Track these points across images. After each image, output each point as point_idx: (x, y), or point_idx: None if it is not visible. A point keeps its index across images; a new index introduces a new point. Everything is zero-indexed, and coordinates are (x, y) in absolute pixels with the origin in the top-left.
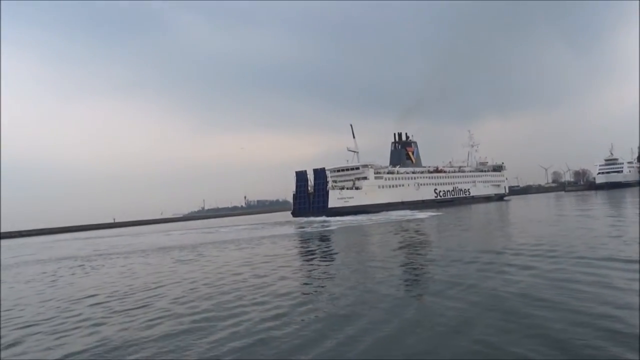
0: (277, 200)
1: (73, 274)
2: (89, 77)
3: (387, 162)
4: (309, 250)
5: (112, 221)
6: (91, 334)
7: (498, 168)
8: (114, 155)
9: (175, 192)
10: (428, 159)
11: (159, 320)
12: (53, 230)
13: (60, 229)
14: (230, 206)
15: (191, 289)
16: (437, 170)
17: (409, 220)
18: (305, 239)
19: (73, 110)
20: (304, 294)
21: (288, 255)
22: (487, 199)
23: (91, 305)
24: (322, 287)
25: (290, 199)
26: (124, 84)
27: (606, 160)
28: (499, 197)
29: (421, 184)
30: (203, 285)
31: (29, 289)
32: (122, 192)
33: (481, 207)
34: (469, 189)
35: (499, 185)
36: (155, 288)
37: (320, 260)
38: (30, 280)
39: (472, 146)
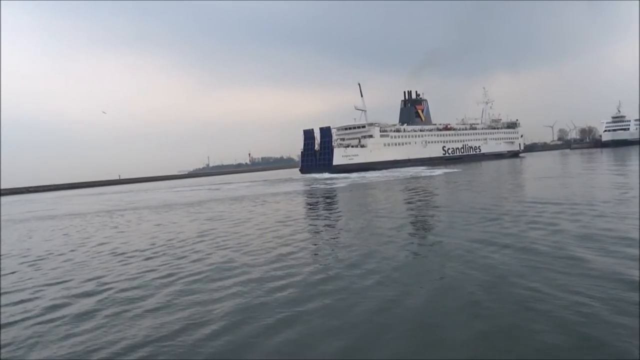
0: (282, 158)
1: (97, 230)
2: (92, 30)
3: (397, 120)
4: (318, 206)
5: (118, 178)
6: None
7: (512, 125)
8: (118, 112)
9: (180, 149)
10: (439, 116)
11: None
12: (59, 187)
13: (66, 185)
14: (234, 163)
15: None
16: (446, 128)
17: (415, 177)
18: (315, 195)
19: (76, 65)
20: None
21: (303, 212)
22: (499, 156)
23: (134, 257)
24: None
25: (295, 157)
26: (128, 39)
27: (613, 117)
28: (513, 154)
29: (429, 142)
30: (233, 240)
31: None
32: (126, 149)
33: (492, 164)
34: (479, 146)
35: (512, 142)
36: (193, 243)
37: (336, 216)
38: (62, 234)
39: (487, 103)
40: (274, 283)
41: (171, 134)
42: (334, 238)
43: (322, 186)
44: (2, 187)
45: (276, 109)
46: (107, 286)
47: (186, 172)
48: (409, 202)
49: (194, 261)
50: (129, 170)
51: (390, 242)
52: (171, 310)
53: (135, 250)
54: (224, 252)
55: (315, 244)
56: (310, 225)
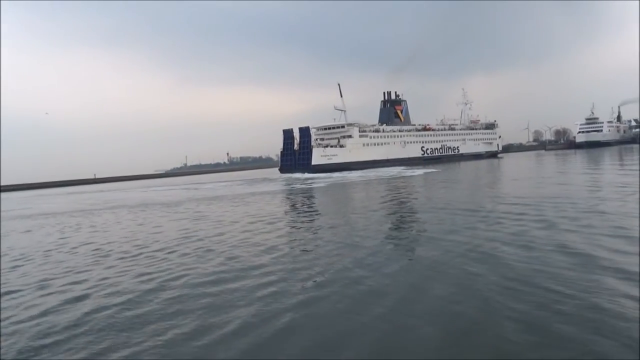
0: (260, 157)
1: (77, 231)
2: (70, 28)
3: (377, 120)
4: (302, 207)
5: (93, 177)
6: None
7: (490, 126)
8: (94, 110)
9: (157, 148)
10: (419, 117)
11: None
12: (32, 186)
13: (40, 184)
14: (212, 163)
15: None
16: (425, 129)
17: (397, 177)
18: (297, 195)
19: (50, 63)
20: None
21: (287, 212)
22: (477, 156)
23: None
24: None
25: (274, 156)
26: (107, 36)
27: (587, 119)
28: (491, 155)
29: (407, 142)
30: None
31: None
32: (101, 148)
33: (470, 164)
34: (458, 147)
35: (491, 143)
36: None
37: (313, 216)
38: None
39: (466, 104)
40: (270, 287)
41: (148, 132)
42: (328, 239)
43: (303, 186)
44: None
45: (255, 109)
46: (93, 289)
47: (163, 172)
48: (401, 202)
49: (180, 263)
50: (105, 170)
51: (390, 243)
52: (163, 315)
53: (119, 251)
54: (211, 253)
55: (308, 244)
56: (299, 225)
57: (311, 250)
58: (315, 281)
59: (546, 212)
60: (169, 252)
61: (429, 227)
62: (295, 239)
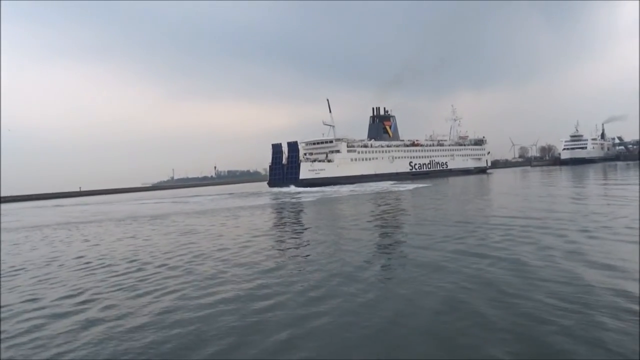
0: (248, 171)
1: (69, 245)
2: (53, 38)
3: (366, 136)
4: (294, 221)
5: (78, 189)
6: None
7: (479, 142)
8: (80, 122)
9: (144, 161)
10: (408, 133)
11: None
12: (16, 198)
13: (23, 196)
14: (200, 176)
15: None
16: (413, 144)
17: (389, 192)
18: (287, 210)
19: (32, 74)
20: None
21: (279, 226)
22: (466, 172)
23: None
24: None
25: (262, 170)
26: (93, 48)
27: (571, 136)
28: (480, 171)
29: (396, 157)
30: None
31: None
32: (87, 161)
33: (459, 179)
34: (446, 162)
35: (479, 159)
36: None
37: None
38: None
39: (455, 120)
40: (265, 302)
41: (135, 145)
42: (320, 252)
43: (293, 200)
44: None
45: (244, 123)
46: (87, 305)
47: (150, 185)
48: (398, 215)
49: (175, 277)
50: (90, 183)
51: (401, 253)
52: (159, 328)
53: (112, 265)
54: (204, 267)
55: (301, 258)
56: (290, 240)
57: (319, 265)
58: (309, 295)
59: (566, 226)
60: (168, 267)
61: (438, 239)
62: (299, 254)
